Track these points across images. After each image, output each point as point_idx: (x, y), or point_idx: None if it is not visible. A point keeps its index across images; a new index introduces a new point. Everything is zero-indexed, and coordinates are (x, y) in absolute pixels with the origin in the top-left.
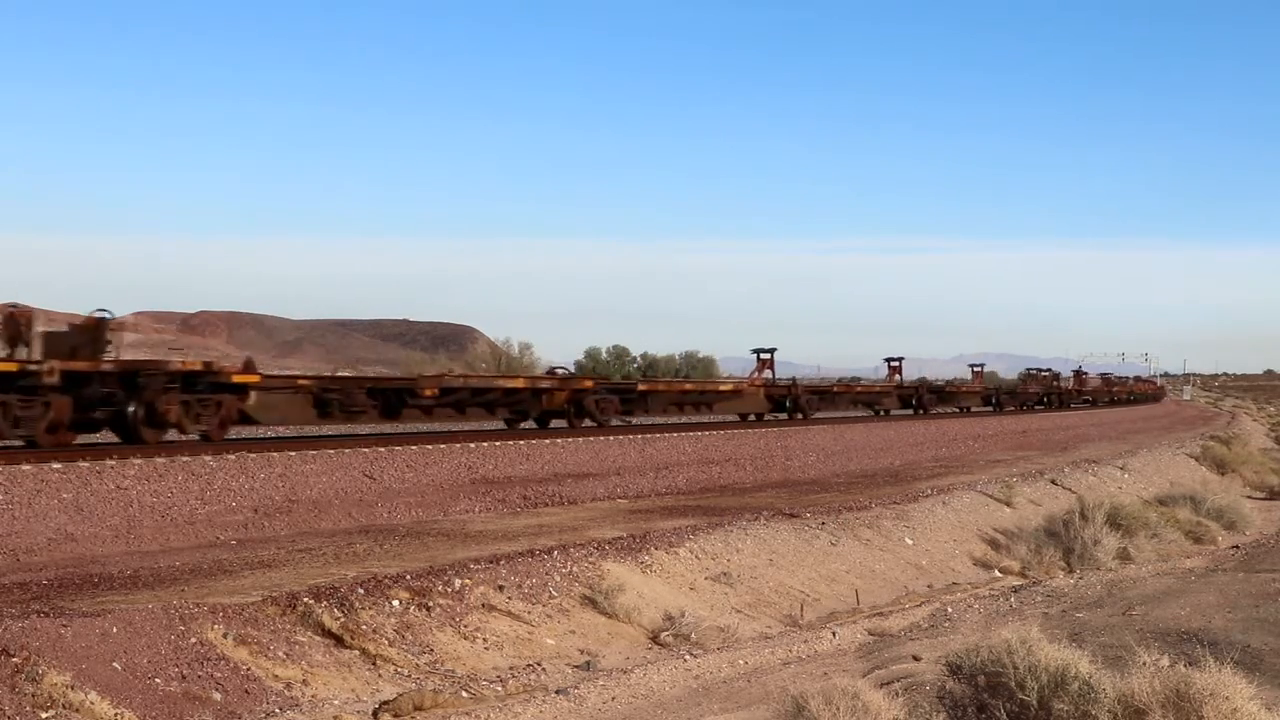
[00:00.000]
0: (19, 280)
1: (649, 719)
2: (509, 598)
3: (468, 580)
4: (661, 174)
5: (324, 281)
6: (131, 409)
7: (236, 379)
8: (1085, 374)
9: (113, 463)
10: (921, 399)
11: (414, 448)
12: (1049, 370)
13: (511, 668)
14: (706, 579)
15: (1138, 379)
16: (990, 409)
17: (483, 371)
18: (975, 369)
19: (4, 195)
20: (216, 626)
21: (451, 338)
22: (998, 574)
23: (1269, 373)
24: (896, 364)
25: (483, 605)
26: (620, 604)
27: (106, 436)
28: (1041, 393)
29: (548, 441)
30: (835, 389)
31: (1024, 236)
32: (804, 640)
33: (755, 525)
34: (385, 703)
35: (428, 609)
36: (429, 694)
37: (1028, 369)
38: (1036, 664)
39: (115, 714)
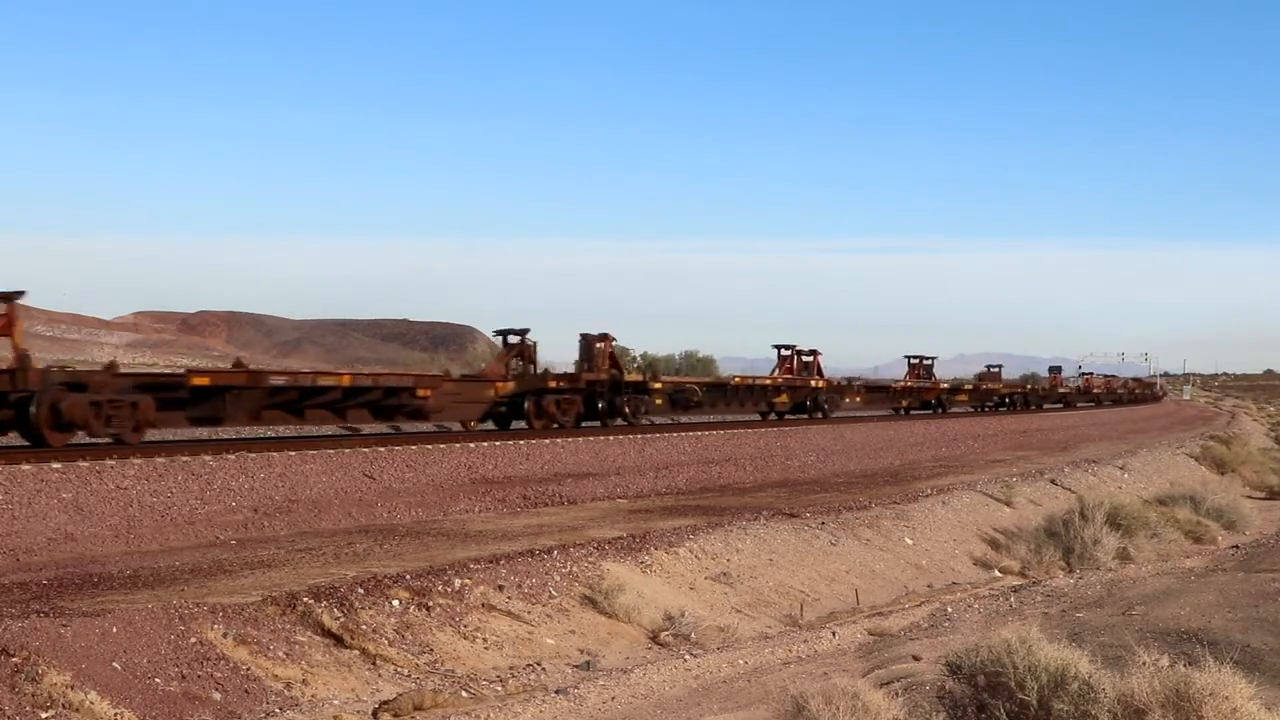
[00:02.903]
0: (19, 280)
1: (649, 719)
2: (509, 597)
3: (468, 580)
4: (661, 174)
5: (324, 281)
6: None
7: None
8: (1060, 374)
9: (112, 463)
10: (819, 401)
11: (414, 448)
12: (998, 366)
13: (511, 667)
14: (706, 579)
15: (1056, 371)
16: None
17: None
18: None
19: (4, 196)
20: (216, 626)
21: (451, 338)
22: (997, 574)
23: (1269, 373)
24: (789, 353)
25: (483, 605)
26: (620, 604)
27: None
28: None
29: (547, 441)
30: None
31: (1024, 236)
32: (804, 640)
33: (755, 525)
34: (385, 702)
35: (428, 609)
36: (429, 694)
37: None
38: (1036, 664)
39: (115, 714)
